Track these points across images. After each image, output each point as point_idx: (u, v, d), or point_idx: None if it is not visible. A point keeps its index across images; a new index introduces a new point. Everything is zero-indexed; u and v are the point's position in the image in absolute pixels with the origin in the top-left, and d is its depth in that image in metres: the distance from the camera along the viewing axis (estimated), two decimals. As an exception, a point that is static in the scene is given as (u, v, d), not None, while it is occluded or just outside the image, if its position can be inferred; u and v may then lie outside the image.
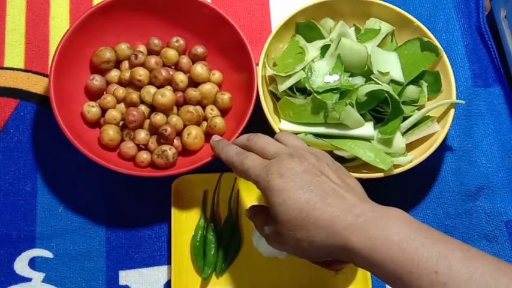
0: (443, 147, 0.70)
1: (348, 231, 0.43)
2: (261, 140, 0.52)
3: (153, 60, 0.66)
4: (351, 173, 0.60)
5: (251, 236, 0.62)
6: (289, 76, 0.63)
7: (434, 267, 0.40)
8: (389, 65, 0.63)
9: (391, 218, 0.44)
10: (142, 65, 0.66)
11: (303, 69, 0.64)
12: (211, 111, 0.66)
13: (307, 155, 0.49)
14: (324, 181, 0.47)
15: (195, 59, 0.69)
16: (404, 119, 0.63)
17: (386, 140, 0.61)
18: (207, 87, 0.66)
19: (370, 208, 0.45)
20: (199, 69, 0.66)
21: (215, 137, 0.59)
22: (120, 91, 0.66)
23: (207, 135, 0.65)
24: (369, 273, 0.62)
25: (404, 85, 0.64)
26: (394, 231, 0.42)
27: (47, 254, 0.63)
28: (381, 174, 0.59)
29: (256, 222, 0.52)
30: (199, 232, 0.62)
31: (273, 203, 0.46)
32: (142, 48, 0.68)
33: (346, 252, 0.44)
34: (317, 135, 0.61)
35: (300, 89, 0.64)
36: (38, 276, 0.62)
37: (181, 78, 0.65)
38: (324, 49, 0.65)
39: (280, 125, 0.63)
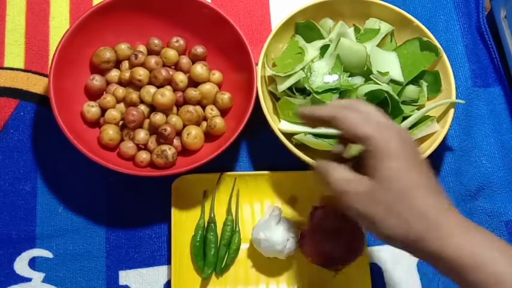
0: (443, 147, 0.70)
1: (453, 240, 0.42)
2: (349, 120, 0.47)
3: (153, 60, 0.66)
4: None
5: (251, 236, 0.62)
6: (289, 76, 0.63)
7: None
8: (389, 64, 0.63)
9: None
10: (142, 65, 0.66)
11: (303, 69, 0.64)
12: (211, 111, 0.66)
13: (412, 140, 0.47)
14: (429, 172, 0.46)
15: (195, 59, 0.69)
16: (404, 118, 0.63)
17: (385, 139, 0.61)
18: (207, 87, 0.66)
19: (471, 225, 0.45)
20: (199, 69, 0.66)
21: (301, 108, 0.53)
22: (120, 91, 0.66)
23: (207, 135, 0.65)
24: (368, 274, 0.62)
25: (403, 85, 0.64)
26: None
27: (47, 254, 0.63)
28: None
29: (332, 175, 0.48)
30: (199, 232, 0.62)
31: (380, 164, 0.44)
32: (142, 48, 0.68)
33: (434, 259, 0.43)
34: (317, 135, 0.61)
35: (300, 89, 0.64)
36: (38, 276, 0.62)
37: (181, 78, 0.65)
38: (324, 49, 0.65)
39: (279, 125, 0.63)
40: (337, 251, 0.57)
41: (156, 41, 0.68)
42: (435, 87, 0.66)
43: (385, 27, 0.67)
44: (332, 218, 0.57)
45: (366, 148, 0.46)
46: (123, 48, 0.67)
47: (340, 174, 0.47)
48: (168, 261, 0.63)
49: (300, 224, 0.62)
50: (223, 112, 0.67)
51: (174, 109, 0.66)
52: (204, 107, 0.67)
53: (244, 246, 0.64)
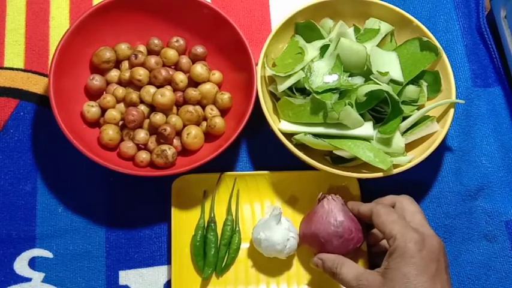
0: (443, 147, 0.70)
1: None
2: (381, 218, 0.53)
3: (153, 60, 0.66)
4: (351, 173, 0.60)
5: (251, 235, 0.62)
6: (289, 76, 0.63)
7: None
8: (389, 64, 0.63)
9: None
10: (142, 65, 0.66)
11: (302, 69, 0.64)
12: (211, 111, 0.66)
13: (444, 250, 0.51)
14: (443, 279, 0.49)
15: (195, 59, 0.69)
16: (404, 118, 0.63)
17: (385, 139, 0.61)
18: (207, 87, 0.66)
19: None
20: (199, 69, 0.66)
21: (349, 203, 0.61)
22: (120, 91, 0.66)
23: (207, 135, 0.65)
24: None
25: (403, 85, 0.64)
26: None
27: (46, 254, 0.63)
28: (380, 174, 0.59)
29: (342, 272, 0.53)
30: (199, 232, 0.62)
31: (397, 268, 0.48)
32: (142, 48, 0.68)
33: None
34: (316, 135, 0.61)
35: (300, 89, 0.64)
36: (37, 276, 0.62)
37: (181, 78, 0.65)
38: (323, 49, 0.65)
39: (279, 125, 0.63)
40: (327, 237, 0.58)
41: (156, 41, 0.68)
42: (435, 87, 0.66)
43: (385, 27, 0.67)
44: (337, 209, 0.59)
45: (390, 245, 0.50)
46: (123, 48, 0.67)
47: (348, 274, 0.52)
48: (168, 261, 0.63)
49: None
50: (223, 112, 0.67)
51: (174, 109, 0.66)
52: (204, 107, 0.67)
53: (244, 246, 0.64)
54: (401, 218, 0.53)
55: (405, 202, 0.56)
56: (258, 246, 0.61)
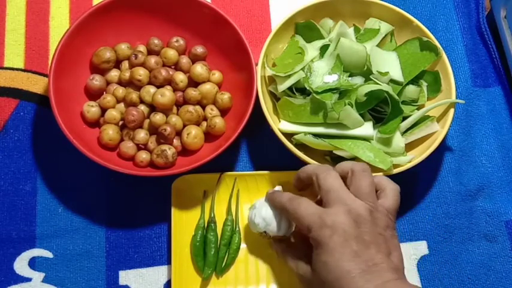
0: (443, 147, 0.70)
1: None
2: (329, 181, 0.52)
3: (153, 60, 0.66)
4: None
5: (251, 235, 0.62)
6: (289, 76, 0.63)
7: None
8: (389, 64, 0.63)
9: None
10: (142, 65, 0.66)
11: (302, 69, 0.64)
12: (211, 111, 0.66)
13: (365, 215, 0.49)
14: (370, 254, 0.48)
15: (195, 59, 0.69)
16: (404, 118, 0.63)
17: (385, 139, 0.61)
18: (207, 87, 0.66)
19: (399, 285, 0.46)
20: (199, 69, 0.66)
21: (270, 190, 0.60)
22: (120, 91, 0.66)
23: (207, 135, 0.65)
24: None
25: (403, 85, 0.64)
26: None
27: (46, 254, 0.63)
28: (380, 174, 0.59)
29: (286, 258, 0.56)
30: (199, 232, 0.62)
31: (316, 258, 0.49)
32: (142, 48, 0.68)
33: None
34: (316, 135, 0.61)
35: (300, 89, 0.64)
36: (37, 276, 0.62)
37: (181, 78, 0.65)
38: (323, 49, 0.65)
39: (279, 125, 0.63)
40: None
41: (156, 41, 0.68)
42: (435, 87, 0.66)
43: (385, 27, 0.67)
44: None
45: (309, 237, 0.50)
46: (123, 48, 0.67)
47: (292, 260, 0.54)
48: (168, 261, 0.63)
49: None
50: (223, 112, 0.67)
51: (174, 109, 0.66)
52: (204, 107, 0.67)
53: (244, 246, 0.64)
54: (312, 207, 0.51)
55: (327, 175, 0.53)
56: (253, 221, 0.59)
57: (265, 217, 0.58)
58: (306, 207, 0.51)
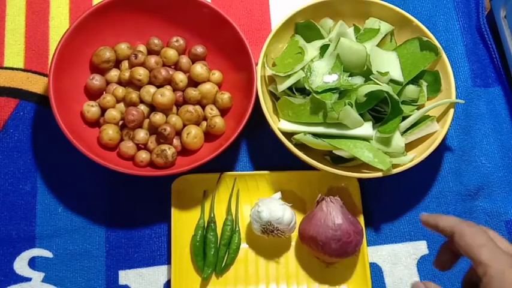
0: (443, 146, 0.70)
1: None
2: (466, 239, 0.45)
3: (152, 60, 0.66)
4: (351, 173, 0.60)
5: (251, 235, 0.62)
6: (289, 76, 0.63)
7: None
8: (389, 64, 0.63)
9: None
10: (142, 64, 0.66)
11: (302, 69, 0.64)
12: (211, 110, 0.66)
13: None
14: None
15: (194, 59, 0.69)
16: (404, 118, 0.63)
17: (385, 139, 0.61)
18: (207, 87, 0.66)
19: None
20: (199, 69, 0.66)
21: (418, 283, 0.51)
22: (120, 91, 0.66)
23: (207, 134, 0.65)
24: (368, 272, 0.62)
25: (403, 85, 0.64)
26: None
27: (46, 253, 0.63)
28: (379, 174, 0.59)
29: None
30: (199, 232, 0.62)
31: None
32: (142, 48, 0.68)
33: None
34: (316, 135, 0.61)
35: (299, 89, 0.64)
36: (37, 275, 0.62)
37: (180, 77, 0.65)
38: (323, 49, 0.65)
39: (279, 124, 0.63)
40: (326, 240, 0.58)
41: (156, 41, 0.68)
42: (435, 87, 0.66)
43: (385, 27, 0.67)
44: (335, 211, 0.59)
45: (480, 275, 0.43)
46: (123, 48, 0.67)
47: None
48: (168, 261, 0.63)
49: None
50: (223, 112, 0.67)
51: (174, 109, 0.66)
52: (203, 107, 0.67)
53: (244, 246, 0.64)
54: (491, 240, 0.44)
55: (487, 228, 0.47)
56: (256, 211, 0.60)
57: (270, 206, 0.59)
58: (489, 239, 0.44)
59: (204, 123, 0.66)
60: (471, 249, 0.43)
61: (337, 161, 0.63)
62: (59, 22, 0.73)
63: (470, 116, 0.71)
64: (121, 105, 0.65)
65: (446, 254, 0.50)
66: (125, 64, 0.67)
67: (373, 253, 0.65)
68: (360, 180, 0.65)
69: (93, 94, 0.66)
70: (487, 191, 0.68)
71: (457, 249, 0.45)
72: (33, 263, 0.62)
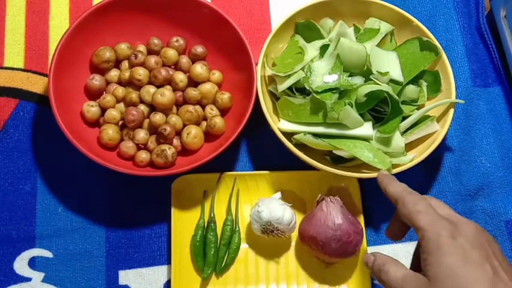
0: (443, 146, 0.70)
1: None
2: (408, 207, 0.47)
3: (152, 60, 0.66)
4: (351, 173, 0.60)
5: (251, 235, 0.62)
6: (289, 76, 0.63)
7: None
8: (389, 64, 0.63)
9: None
10: (142, 64, 0.66)
11: (302, 69, 0.64)
12: (211, 110, 0.66)
13: (483, 233, 0.46)
14: (496, 266, 0.43)
15: (194, 59, 0.69)
16: (404, 118, 0.63)
17: (385, 139, 0.61)
18: (207, 87, 0.66)
19: None
20: (199, 69, 0.66)
21: (383, 171, 0.57)
22: (120, 91, 0.66)
23: (207, 134, 0.65)
24: (368, 273, 0.62)
25: (403, 85, 0.64)
26: None
27: (46, 253, 0.63)
28: (380, 174, 0.59)
29: (389, 271, 0.47)
30: (199, 232, 0.62)
31: (437, 262, 0.43)
32: (142, 48, 0.68)
33: None
34: (316, 135, 0.61)
35: (299, 89, 0.64)
36: (37, 275, 0.62)
37: (180, 77, 0.65)
38: (323, 49, 0.65)
39: (279, 124, 0.63)
40: (326, 240, 0.58)
41: (156, 41, 0.68)
42: (435, 87, 0.66)
43: (385, 27, 0.67)
44: (335, 211, 0.59)
45: (419, 240, 0.45)
46: (123, 48, 0.67)
47: (395, 273, 0.46)
48: (168, 261, 0.63)
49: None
50: (223, 112, 0.67)
51: (174, 109, 0.66)
52: (203, 107, 0.67)
53: (244, 246, 0.64)
54: (430, 207, 0.46)
55: (430, 198, 0.50)
56: (256, 211, 0.60)
57: (270, 206, 0.59)
58: (428, 205, 0.47)
59: (204, 123, 0.66)
60: (411, 216, 0.46)
61: (337, 161, 0.63)
62: (59, 22, 0.73)
63: (470, 116, 0.71)
64: (121, 105, 0.65)
65: (396, 224, 0.52)
66: (125, 64, 0.67)
67: (373, 253, 0.65)
68: (360, 180, 0.65)
69: (93, 94, 0.66)
70: (487, 191, 0.68)
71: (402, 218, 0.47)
72: (33, 263, 0.62)
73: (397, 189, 0.50)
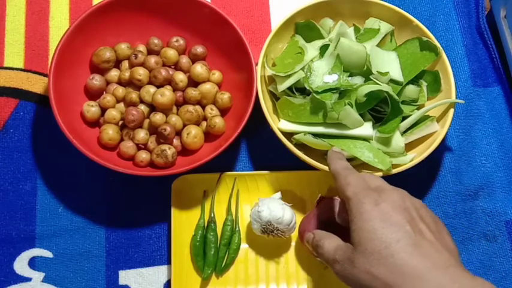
0: (443, 146, 0.70)
1: None
2: (340, 181, 0.50)
3: (152, 60, 0.66)
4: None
5: (251, 235, 0.62)
6: (289, 76, 0.63)
7: None
8: (389, 64, 0.63)
9: None
10: (142, 64, 0.66)
11: (302, 69, 0.64)
12: (211, 110, 0.66)
13: (410, 199, 0.47)
14: (421, 228, 0.44)
15: (194, 59, 0.69)
16: (404, 118, 0.63)
17: (385, 139, 0.61)
18: (207, 87, 0.66)
19: (466, 276, 0.41)
20: (199, 69, 0.66)
21: (335, 148, 0.58)
22: (120, 91, 0.66)
23: (207, 134, 0.65)
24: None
25: (403, 85, 0.64)
26: None
27: (46, 253, 0.63)
28: (380, 174, 0.59)
29: (324, 245, 0.49)
30: (199, 232, 0.62)
31: (359, 227, 0.45)
32: (142, 48, 0.68)
33: None
34: (316, 135, 0.61)
35: (299, 89, 0.64)
36: (37, 276, 0.62)
37: (180, 77, 0.65)
38: (323, 49, 0.65)
39: (279, 124, 0.63)
40: None
41: (156, 41, 0.68)
42: (435, 87, 0.66)
43: (384, 27, 0.67)
44: (335, 211, 0.59)
45: (347, 209, 0.47)
46: (123, 48, 0.67)
47: (329, 246, 0.49)
48: (168, 261, 0.63)
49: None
50: (223, 112, 0.67)
51: (174, 109, 0.66)
52: (203, 107, 0.67)
53: (244, 246, 0.64)
54: (359, 179, 0.49)
55: (366, 173, 0.53)
56: (256, 211, 0.60)
57: (270, 206, 0.59)
58: (357, 178, 0.49)
59: (204, 123, 0.66)
60: (342, 188, 0.49)
61: (337, 161, 0.63)
62: (59, 22, 0.73)
63: (470, 116, 0.71)
64: (121, 105, 0.66)
65: (344, 208, 0.53)
66: (125, 64, 0.67)
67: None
68: (359, 180, 0.65)
69: (93, 94, 0.66)
70: (487, 191, 0.68)
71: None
72: (33, 263, 0.62)
73: (338, 166, 0.52)
